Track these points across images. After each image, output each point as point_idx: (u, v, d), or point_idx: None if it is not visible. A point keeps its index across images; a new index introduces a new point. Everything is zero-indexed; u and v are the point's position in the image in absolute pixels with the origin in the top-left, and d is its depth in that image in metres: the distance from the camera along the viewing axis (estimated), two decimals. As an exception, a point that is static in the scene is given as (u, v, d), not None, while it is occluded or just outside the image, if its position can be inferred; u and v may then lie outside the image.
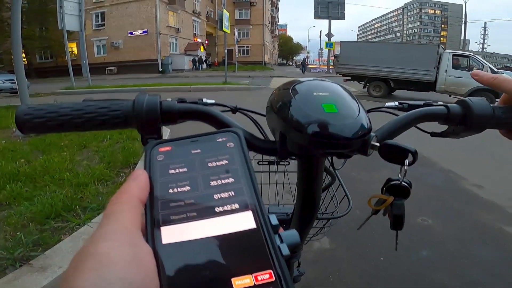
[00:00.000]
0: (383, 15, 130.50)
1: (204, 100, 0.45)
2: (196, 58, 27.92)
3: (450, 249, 1.96)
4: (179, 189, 0.23)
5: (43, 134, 3.63)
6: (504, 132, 0.43)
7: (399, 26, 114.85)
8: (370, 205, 0.40)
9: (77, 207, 2.13)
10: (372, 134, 0.34)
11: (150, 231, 0.20)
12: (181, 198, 0.22)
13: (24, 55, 18.02)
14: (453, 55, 9.11)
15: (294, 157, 0.42)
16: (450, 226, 2.24)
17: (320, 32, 40.40)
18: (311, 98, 0.34)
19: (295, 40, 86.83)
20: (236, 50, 29.60)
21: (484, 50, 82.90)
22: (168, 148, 0.26)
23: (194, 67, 27.65)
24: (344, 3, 27.47)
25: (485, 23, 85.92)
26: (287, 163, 0.86)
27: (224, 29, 12.19)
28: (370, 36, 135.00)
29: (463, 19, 32.78)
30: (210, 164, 0.24)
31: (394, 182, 0.38)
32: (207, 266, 0.18)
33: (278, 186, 0.87)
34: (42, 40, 23.43)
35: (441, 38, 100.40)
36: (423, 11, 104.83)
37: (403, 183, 0.38)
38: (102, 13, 25.22)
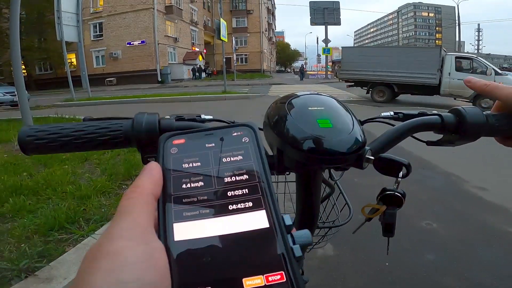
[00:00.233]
0: (378, 20, 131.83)
1: (202, 116, 0.47)
2: (196, 68, 28.09)
3: (456, 252, 1.95)
4: (192, 185, 0.22)
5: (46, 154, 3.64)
6: (500, 139, 0.43)
7: (395, 30, 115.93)
8: (364, 213, 0.42)
9: (80, 219, 2.15)
10: (367, 148, 0.34)
11: (163, 228, 0.20)
12: (195, 194, 0.22)
13: (23, 66, 18.12)
14: (456, 57, 9.05)
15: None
16: (455, 229, 2.24)
17: (317, 38, 40.78)
18: (306, 113, 0.35)
19: (292, 46, 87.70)
20: (235, 59, 29.78)
21: (480, 51, 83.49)
22: (182, 140, 0.25)
23: (194, 76, 27.79)
24: (339, 8, 27.83)
25: (479, 24, 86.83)
26: (287, 173, 0.87)
27: (222, 37, 12.32)
28: (366, 41, 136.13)
29: (457, 21, 33.08)
30: (224, 160, 0.23)
31: (388, 192, 0.40)
32: (218, 265, 0.18)
33: (279, 196, 0.89)
34: (41, 51, 23.60)
35: (436, 41, 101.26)
36: (417, 14, 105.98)
37: (396, 193, 0.40)
38: (100, 24, 25.48)
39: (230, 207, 0.21)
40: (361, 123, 0.41)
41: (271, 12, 53.15)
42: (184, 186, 0.22)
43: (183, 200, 0.22)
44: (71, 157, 3.65)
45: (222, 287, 0.18)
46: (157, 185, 0.22)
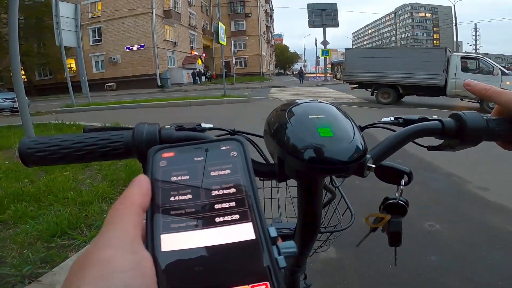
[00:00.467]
0: (375, 21, 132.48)
1: (203, 125, 0.47)
2: (196, 72, 28.15)
3: (460, 253, 1.95)
4: (180, 197, 0.23)
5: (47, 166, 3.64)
6: (500, 143, 0.43)
7: (392, 30, 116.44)
8: (368, 223, 0.42)
9: (82, 225, 2.15)
10: (368, 156, 0.34)
11: (150, 238, 0.21)
12: (182, 207, 0.22)
13: (23, 72, 18.18)
14: (462, 57, 8.90)
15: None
16: (458, 230, 2.23)
17: (316, 40, 40.99)
18: (306, 121, 0.35)
19: (291, 49, 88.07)
20: (234, 62, 29.85)
21: (477, 51, 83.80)
22: (171, 154, 0.26)
23: (194, 80, 27.80)
24: (337, 10, 27.99)
25: (475, 24, 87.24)
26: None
27: (220, 41, 12.38)
28: (364, 42, 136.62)
29: (454, 21, 33.18)
30: (212, 173, 0.24)
31: (391, 201, 0.40)
32: (204, 275, 0.19)
33: (281, 201, 0.88)
34: (41, 56, 23.67)
35: (434, 41, 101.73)
36: (414, 14, 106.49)
37: (399, 201, 0.40)
38: (99, 28, 25.59)
39: (217, 219, 0.21)
40: (361, 129, 0.41)
41: (269, 15, 53.38)
42: (172, 198, 0.23)
43: (171, 212, 0.22)
44: (72, 164, 3.65)
45: None
46: (145, 197, 0.22)
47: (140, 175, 0.24)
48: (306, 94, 14.69)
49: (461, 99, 8.82)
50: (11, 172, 3.34)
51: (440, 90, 9.08)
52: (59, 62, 18.71)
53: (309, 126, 0.34)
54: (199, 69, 29.24)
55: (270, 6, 57.20)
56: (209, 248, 0.20)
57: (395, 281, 1.72)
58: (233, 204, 0.22)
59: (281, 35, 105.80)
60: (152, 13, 24.11)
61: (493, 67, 8.44)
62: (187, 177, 0.24)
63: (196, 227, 0.21)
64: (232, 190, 0.23)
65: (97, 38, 25.80)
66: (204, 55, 34.65)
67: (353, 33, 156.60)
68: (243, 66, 40.99)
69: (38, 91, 24.29)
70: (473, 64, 8.91)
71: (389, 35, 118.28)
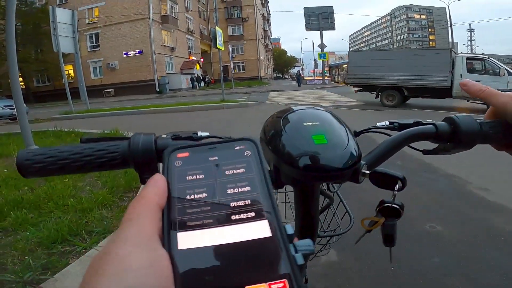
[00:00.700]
0: (371, 23, 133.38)
1: (199, 133, 0.47)
2: (194, 77, 28.19)
3: (462, 254, 1.95)
4: (196, 196, 0.23)
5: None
6: (495, 146, 0.43)
7: (388, 32, 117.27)
8: (363, 226, 0.43)
9: (83, 231, 2.15)
10: (362, 162, 0.35)
11: (167, 236, 0.21)
12: (198, 205, 0.22)
13: (21, 78, 18.14)
14: (467, 58, 8.85)
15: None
16: (460, 231, 2.23)
17: (313, 43, 41.16)
18: (301, 129, 0.35)
19: (289, 53, 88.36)
20: (232, 66, 29.95)
21: (473, 51, 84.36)
22: (186, 154, 0.26)
23: (193, 85, 27.81)
24: (333, 13, 28.23)
25: (470, 25, 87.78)
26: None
27: (218, 46, 12.42)
28: (361, 44, 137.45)
29: (449, 22, 33.42)
30: (227, 172, 0.24)
31: (386, 204, 0.41)
32: (221, 273, 0.19)
33: (280, 205, 0.90)
34: (38, 63, 23.70)
35: (430, 42, 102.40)
36: (409, 16, 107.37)
37: (394, 205, 0.41)
38: (96, 34, 25.66)
39: (233, 217, 0.21)
40: (356, 134, 0.42)
41: (266, 19, 53.71)
42: (188, 197, 0.23)
43: (187, 210, 0.22)
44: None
45: None
46: (162, 195, 0.23)
47: (156, 174, 0.25)
48: (304, 98, 14.74)
49: (468, 101, 8.73)
50: (11, 179, 3.34)
51: (446, 92, 8.97)
52: (57, 68, 18.75)
53: (304, 133, 0.34)
54: (198, 74, 29.31)
55: (267, 10, 57.57)
56: (225, 246, 0.20)
57: (397, 282, 1.72)
58: (248, 202, 0.22)
59: (278, 39, 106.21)
60: (149, 18, 24.22)
61: (499, 68, 8.36)
62: (202, 176, 0.24)
63: (212, 225, 0.21)
64: (247, 188, 0.23)
65: (94, 44, 25.87)
66: (202, 60, 34.79)
67: (349, 36, 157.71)
68: (241, 71, 41.11)
69: (36, 98, 24.28)
70: (479, 65, 8.84)
71: (386, 37, 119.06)
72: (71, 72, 23.43)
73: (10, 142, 5.11)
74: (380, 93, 10.20)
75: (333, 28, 28.46)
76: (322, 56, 26.68)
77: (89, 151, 0.38)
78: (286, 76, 74.13)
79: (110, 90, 24.31)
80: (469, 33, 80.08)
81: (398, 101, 9.90)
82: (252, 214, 0.22)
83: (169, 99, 16.87)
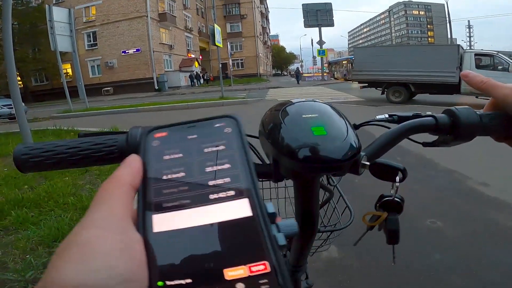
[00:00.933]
0: (370, 19, 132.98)
1: None
2: (193, 74, 28.11)
3: (463, 251, 1.94)
4: (173, 176, 0.22)
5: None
6: (495, 137, 0.42)
7: (387, 29, 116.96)
8: (365, 222, 0.42)
9: (84, 229, 2.15)
10: (362, 153, 0.34)
11: (141, 219, 0.20)
12: (175, 185, 0.21)
13: (19, 78, 18.08)
14: (475, 54, 8.75)
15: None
16: (461, 227, 2.22)
17: (312, 40, 41.01)
18: (300, 121, 0.35)
19: (287, 49, 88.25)
20: (231, 64, 29.88)
21: (472, 48, 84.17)
22: (164, 134, 0.25)
23: (192, 83, 27.75)
24: (331, 10, 28.10)
25: (469, 21, 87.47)
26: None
27: (216, 43, 12.37)
28: (360, 41, 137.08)
29: (447, 18, 33.33)
30: (206, 150, 0.23)
31: (387, 198, 0.41)
32: (198, 256, 0.18)
33: (279, 201, 0.88)
34: (36, 62, 23.59)
35: (429, 39, 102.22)
36: (408, 12, 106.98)
37: (395, 199, 0.40)
38: (94, 33, 25.50)
39: (212, 196, 0.21)
40: (356, 127, 0.41)
41: (264, 16, 53.50)
42: (164, 177, 0.22)
43: (163, 191, 0.21)
44: (72, 169, 3.65)
45: (202, 279, 0.17)
46: (136, 176, 0.22)
47: (131, 155, 0.24)
48: (304, 94, 14.70)
49: (476, 97, 8.52)
50: (11, 178, 3.35)
51: (454, 88, 8.84)
52: (55, 67, 18.69)
53: (303, 125, 0.34)
54: (197, 72, 29.22)
55: (265, 7, 57.33)
56: (203, 227, 0.19)
57: (398, 279, 1.72)
58: (228, 180, 0.21)
59: (277, 36, 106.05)
60: (147, 16, 24.09)
61: (509, 64, 8.26)
62: (180, 155, 0.23)
63: (189, 206, 0.20)
64: (227, 165, 0.22)
65: (92, 42, 25.72)
66: (201, 57, 34.65)
67: (348, 32, 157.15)
68: (240, 68, 41.02)
69: (35, 97, 24.22)
70: (487, 61, 8.75)
71: (384, 33, 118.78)
72: (69, 71, 23.36)
73: (9, 141, 5.12)
74: (386, 89, 10.06)
75: (332, 24, 28.35)
76: (321, 52, 26.57)
77: (86, 145, 0.37)
78: (285, 73, 73.99)
79: (109, 88, 24.23)
80: (467, 29, 79.89)
81: (405, 97, 9.77)
82: (232, 192, 0.21)
83: (168, 97, 16.83)
